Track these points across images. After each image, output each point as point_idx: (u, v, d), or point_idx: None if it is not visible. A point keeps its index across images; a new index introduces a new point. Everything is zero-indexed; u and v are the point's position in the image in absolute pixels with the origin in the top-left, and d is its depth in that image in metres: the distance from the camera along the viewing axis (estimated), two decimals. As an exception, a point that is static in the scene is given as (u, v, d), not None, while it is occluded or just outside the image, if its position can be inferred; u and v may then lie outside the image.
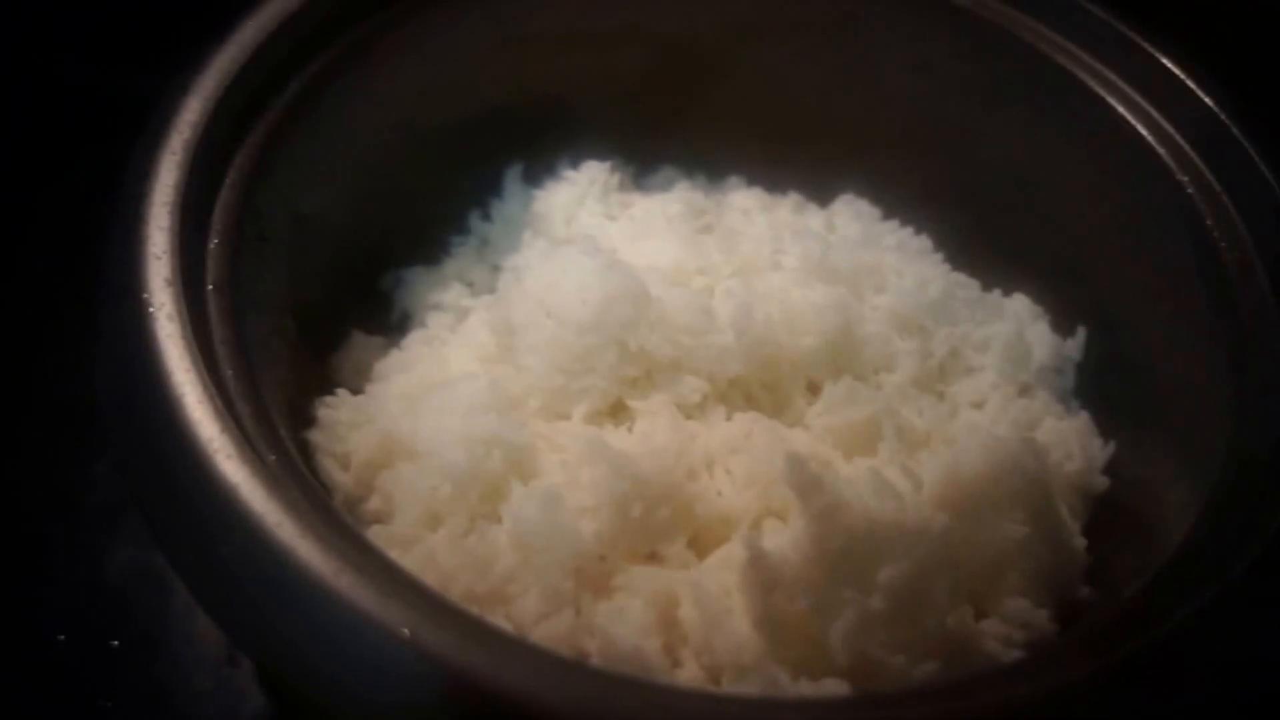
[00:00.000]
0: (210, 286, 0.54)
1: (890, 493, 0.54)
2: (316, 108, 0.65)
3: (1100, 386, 0.71)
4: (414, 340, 0.70)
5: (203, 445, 0.47)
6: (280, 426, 0.54)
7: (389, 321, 0.74)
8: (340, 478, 0.61)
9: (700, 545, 0.59)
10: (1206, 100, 0.66)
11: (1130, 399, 0.69)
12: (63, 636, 0.66)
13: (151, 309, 0.50)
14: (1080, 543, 0.63)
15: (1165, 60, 0.68)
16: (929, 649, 0.53)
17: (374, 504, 0.61)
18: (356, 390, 0.67)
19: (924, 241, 0.78)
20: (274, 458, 0.50)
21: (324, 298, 0.68)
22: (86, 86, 0.89)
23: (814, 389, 0.66)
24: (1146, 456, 0.66)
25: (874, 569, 0.52)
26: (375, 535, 0.59)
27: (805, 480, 0.53)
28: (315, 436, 0.62)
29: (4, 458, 0.74)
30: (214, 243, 0.55)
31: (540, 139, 0.79)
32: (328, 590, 0.45)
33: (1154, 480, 0.64)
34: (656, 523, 0.57)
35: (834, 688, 0.51)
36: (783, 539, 0.54)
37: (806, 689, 0.52)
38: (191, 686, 0.66)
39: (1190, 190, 0.64)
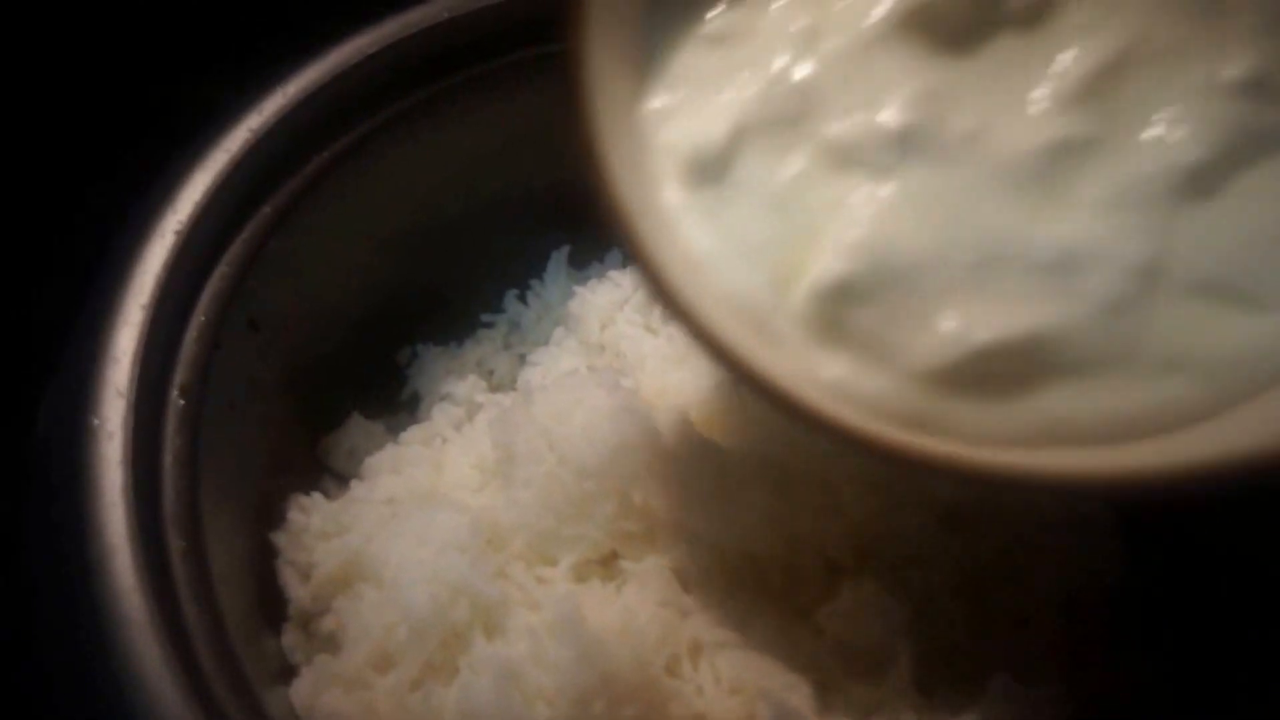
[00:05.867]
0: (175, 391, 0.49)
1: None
2: (337, 180, 0.61)
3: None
4: (413, 436, 0.65)
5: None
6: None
7: (398, 398, 0.69)
8: (298, 591, 0.57)
9: (670, 748, 0.53)
10: None
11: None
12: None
13: (97, 422, 0.46)
14: None
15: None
16: None
17: (328, 624, 0.56)
18: (345, 478, 0.63)
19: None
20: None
21: (328, 377, 0.64)
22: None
23: (835, 573, 0.59)
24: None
25: None
26: (320, 666, 0.54)
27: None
28: (280, 540, 0.58)
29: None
30: (189, 337, 0.51)
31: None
32: None
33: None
34: (619, 721, 0.52)
35: None
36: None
37: None
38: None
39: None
